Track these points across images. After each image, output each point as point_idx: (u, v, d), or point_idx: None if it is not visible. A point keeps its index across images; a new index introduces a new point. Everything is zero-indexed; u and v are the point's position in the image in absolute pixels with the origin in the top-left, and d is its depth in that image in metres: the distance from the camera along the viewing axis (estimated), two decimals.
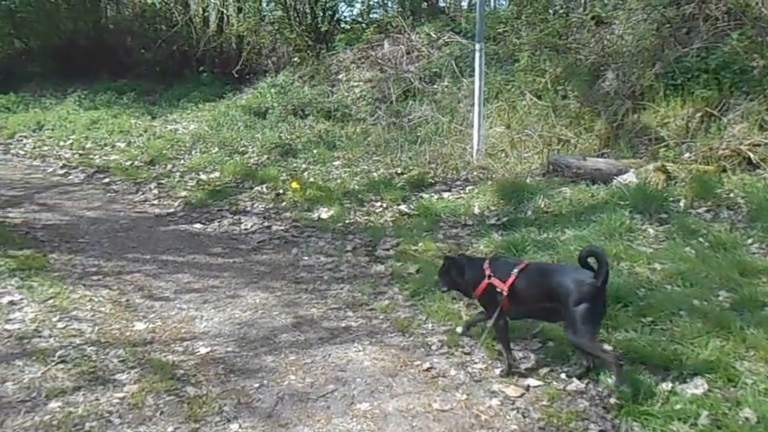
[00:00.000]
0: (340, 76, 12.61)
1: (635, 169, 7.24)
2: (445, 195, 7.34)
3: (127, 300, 4.72)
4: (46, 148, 10.77)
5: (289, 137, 9.68)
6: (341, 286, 5.09)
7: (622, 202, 6.26)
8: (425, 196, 7.28)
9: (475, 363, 3.82)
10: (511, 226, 6.21)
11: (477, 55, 8.81)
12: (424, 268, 5.31)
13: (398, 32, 13.25)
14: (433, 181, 7.74)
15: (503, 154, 8.86)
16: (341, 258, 5.64)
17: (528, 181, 7.32)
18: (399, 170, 8.04)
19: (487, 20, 13.28)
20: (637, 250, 5.26)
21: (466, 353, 3.93)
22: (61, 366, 3.69)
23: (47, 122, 12.04)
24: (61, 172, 9.08)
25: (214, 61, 15.84)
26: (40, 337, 4.07)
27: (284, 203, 7.25)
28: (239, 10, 15.39)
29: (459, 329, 4.12)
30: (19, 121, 12.11)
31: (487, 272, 3.62)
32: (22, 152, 10.51)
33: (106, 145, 10.66)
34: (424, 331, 4.22)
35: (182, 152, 9.81)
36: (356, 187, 7.54)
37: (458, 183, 7.78)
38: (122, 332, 4.19)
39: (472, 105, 10.79)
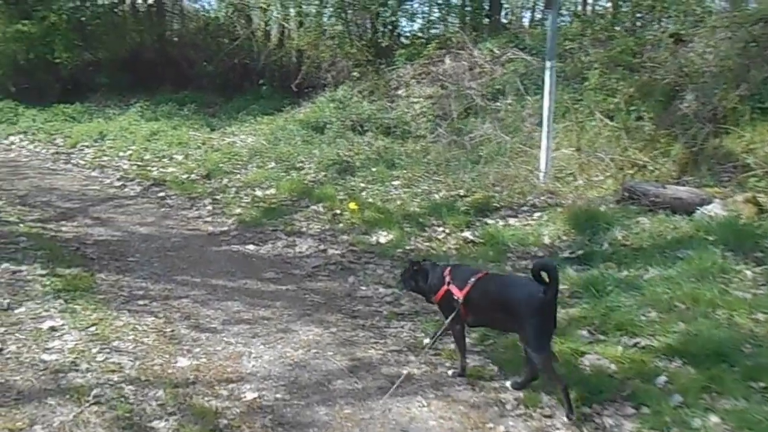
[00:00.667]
0: (399, 92, 12.18)
1: (721, 199, 6.54)
2: (512, 221, 6.78)
3: (173, 330, 4.33)
4: (105, 158, 10.67)
5: (347, 154, 9.26)
6: (402, 323, 4.60)
7: (710, 238, 5.59)
8: (490, 221, 6.72)
9: (558, 429, 3.25)
10: (586, 260, 5.61)
11: (547, 73, 8.23)
12: None
13: (460, 48, 12.76)
14: (498, 206, 7.18)
15: (571, 178, 8.24)
16: (401, 290, 5.13)
17: (602, 208, 6.67)
18: (462, 192, 7.50)
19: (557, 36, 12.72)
20: (735, 296, 4.59)
21: (546, 416, 3.38)
22: (95, 408, 3.31)
23: (109, 132, 11.99)
24: (118, 184, 8.90)
25: (274, 74, 15.65)
26: (77, 371, 3.71)
27: (341, 225, 6.81)
28: (300, 24, 15.18)
29: (426, 341, 4.10)
30: (83, 130, 12.11)
31: (447, 279, 3.69)
32: (82, 162, 10.43)
33: (164, 156, 10.47)
34: (497, 385, 3.68)
35: (239, 166, 9.51)
36: (417, 209, 7.04)
37: (525, 208, 7.19)
38: (164, 369, 3.79)
39: (538, 124, 10.20)
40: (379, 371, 3.86)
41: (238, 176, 9.06)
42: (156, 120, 13.02)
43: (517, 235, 6.26)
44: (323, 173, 8.62)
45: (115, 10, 16.51)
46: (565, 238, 6.26)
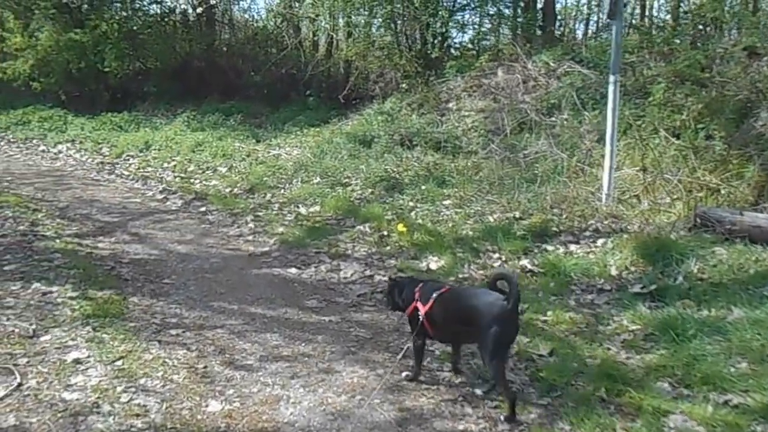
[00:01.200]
0: (450, 105, 11.72)
1: None
2: (573, 248, 6.23)
3: (205, 366, 3.95)
4: (149, 169, 10.51)
5: (395, 170, 8.84)
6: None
7: None
8: (549, 247, 6.19)
9: None
10: (660, 297, 5.05)
11: (611, 87, 7.67)
12: (559, 350, 4.26)
13: (512, 60, 12.24)
14: (557, 230, 6.63)
15: (635, 200, 7.63)
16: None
17: (672, 236, 6.07)
18: (517, 214, 6.98)
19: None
20: None
21: None
22: None
23: (155, 142, 11.87)
24: (160, 196, 8.67)
25: (321, 85, 15.42)
26: (98, 413, 3.36)
27: (389, 248, 6.37)
28: (349, 34, 14.89)
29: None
30: (129, 140, 12.03)
31: (416, 295, 3.77)
32: (126, 173, 10.28)
33: (207, 168, 10.26)
34: None
35: (283, 181, 9.19)
36: (469, 232, 6.55)
37: (587, 233, 6.63)
38: (193, 414, 3.41)
39: (597, 141, 9.63)
40: (431, 425, 3.41)
41: (282, 191, 8.74)
42: (202, 130, 12.87)
43: (581, 265, 5.71)
44: (370, 190, 8.21)
45: (165, 19, 16.54)
46: (633, 269, 5.70)
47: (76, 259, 5.76)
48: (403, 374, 3.92)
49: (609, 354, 4.27)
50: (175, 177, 9.93)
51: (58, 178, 9.74)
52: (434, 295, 3.66)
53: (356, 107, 13.88)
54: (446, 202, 7.57)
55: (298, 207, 7.91)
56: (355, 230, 6.86)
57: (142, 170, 10.46)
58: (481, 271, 5.67)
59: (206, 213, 7.80)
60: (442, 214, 7.22)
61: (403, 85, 13.25)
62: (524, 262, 5.80)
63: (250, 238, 6.83)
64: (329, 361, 4.12)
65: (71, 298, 4.89)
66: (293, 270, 5.83)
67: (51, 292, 5.00)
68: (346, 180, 8.80)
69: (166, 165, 10.62)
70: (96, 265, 5.71)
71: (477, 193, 7.96)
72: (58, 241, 6.31)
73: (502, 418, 3.44)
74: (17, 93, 16.22)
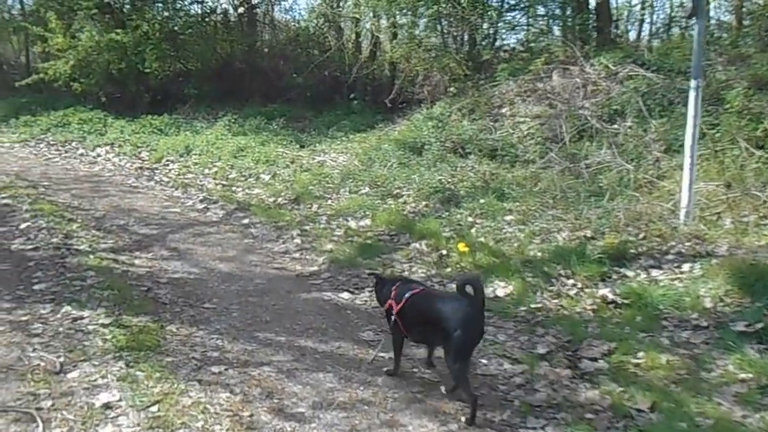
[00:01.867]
0: (503, 111, 11.08)
1: None
2: (655, 273, 5.58)
3: (251, 415, 3.45)
4: (190, 175, 10.14)
5: (449, 180, 8.26)
6: (540, 422, 3.53)
7: None
8: (629, 273, 5.55)
9: None
10: None
11: (692, 94, 6.98)
12: (661, 404, 3.64)
13: (568, 63, 11.54)
14: (635, 252, 5.96)
15: (715, 218, 6.92)
16: (533, 367, 4.08)
17: None
18: (588, 233, 6.33)
19: (682, 51, 11.31)
20: None
21: None
22: None
23: (195, 147, 11.51)
24: (201, 206, 8.25)
25: (366, 88, 14.93)
26: None
27: (449, 269, 5.81)
28: (394, 35, 14.35)
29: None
30: (169, 144, 11.70)
31: (393, 293, 3.85)
32: (165, 179, 9.92)
33: (250, 176, 9.84)
34: None
35: (330, 190, 8.71)
36: (537, 253, 5.93)
37: (669, 257, 5.95)
38: None
39: (664, 152, 8.94)
40: None
41: (329, 202, 8.24)
42: (244, 134, 12.49)
43: (670, 296, 5.05)
44: (424, 203, 7.64)
45: (206, 19, 16.24)
46: (729, 300, 5.02)
47: (110, 279, 5.34)
48: (384, 369, 4.02)
49: (721, 411, 3.63)
50: (216, 184, 9.52)
51: (95, 184, 9.42)
52: (407, 294, 3.77)
53: (403, 112, 13.33)
54: (508, 218, 6.96)
55: (347, 220, 7.41)
56: (411, 248, 6.32)
57: (182, 177, 10.09)
58: (556, 300, 5.07)
59: (249, 226, 7.34)
60: (504, 231, 6.61)
61: (451, 89, 12.66)
62: (604, 291, 5.15)
63: (297, 255, 6.33)
64: (392, 410, 3.58)
65: (104, 325, 4.46)
66: (345, 295, 5.30)
67: (82, 318, 4.59)
68: (397, 191, 8.26)
69: (207, 171, 10.24)
70: (132, 285, 5.28)
71: (540, 208, 7.33)
72: (92, 256, 5.91)
73: (462, 419, 3.48)
74: (58, 94, 16.14)
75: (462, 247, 5.84)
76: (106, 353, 4.05)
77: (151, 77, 14.64)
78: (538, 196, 7.64)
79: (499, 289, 5.31)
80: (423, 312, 3.70)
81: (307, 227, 7.11)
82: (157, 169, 10.70)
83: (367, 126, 13.49)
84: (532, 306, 4.94)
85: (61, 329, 4.40)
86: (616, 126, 9.75)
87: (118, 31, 13.98)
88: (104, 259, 5.89)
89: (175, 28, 15.57)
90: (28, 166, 10.95)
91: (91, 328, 4.42)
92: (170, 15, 15.53)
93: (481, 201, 7.36)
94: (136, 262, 5.93)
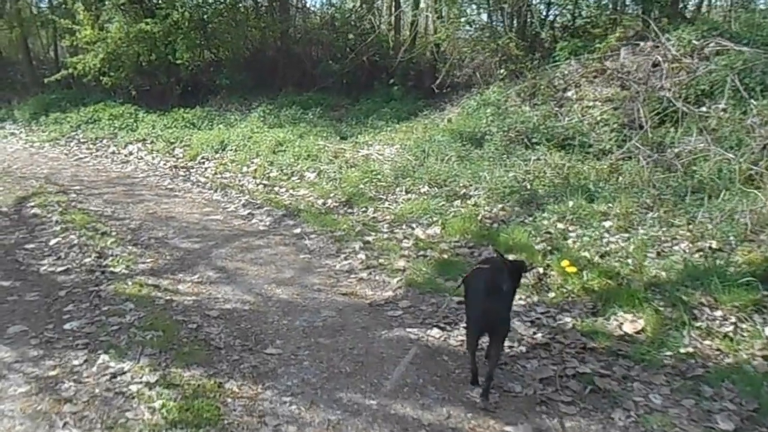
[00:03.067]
0: (568, 94, 9.85)
1: None
2: None
3: None
4: (228, 175, 9.11)
5: (524, 177, 7.11)
6: None
7: None
8: None
9: None
10: None
11: None
12: None
13: (639, 38, 10.27)
14: None
15: None
16: None
17: None
18: (713, 243, 5.15)
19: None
20: None
21: None
22: None
23: (230, 142, 10.47)
24: (244, 212, 7.21)
25: (408, 73, 13.72)
26: None
27: (552, 295, 4.70)
28: (437, 14, 13.09)
29: None
30: (203, 139, 10.66)
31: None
32: (202, 180, 8.89)
33: (293, 174, 8.78)
34: None
35: (384, 190, 7.63)
36: (661, 273, 4.77)
37: None
38: None
39: None
40: None
41: (386, 204, 7.15)
42: (280, 126, 11.43)
43: None
44: (500, 206, 6.51)
45: (237, 6, 15.09)
46: None
47: (153, 314, 4.33)
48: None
49: None
50: (257, 185, 8.48)
51: (128, 188, 8.43)
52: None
53: (449, 98, 12.17)
54: (606, 224, 5.81)
55: (412, 227, 6.32)
56: None
57: (219, 176, 9.07)
58: (708, 341, 3.92)
59: (302, 236, 6.27)
60: (605, 241, 5.46)
61: (501, 71, 11.44)
62: None
63: (365, 275, 5.25)
64: None
65: (149, 384, 3.46)
66: (435, 332, 4.22)
67: (123, 372, 3.59)
68: (464, 190, 7.13)
69: (245, 170, 9.19)
70: (178, 321, 4.26)
71: (638, 210, 6.17)
72: (130, 282, 4.91)
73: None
74: (88, 89, 15.18)
75: (567, 265, 4.72)
76: (154, 430, 3.04)
77: (182, 68, 13.57)
78: (633, 195, 6.47)
79: (627, 323, 4.19)
80: (469, 291, 3.67)
81: (369, 238, 6.02)
82: (192, 168, 9.68)
83: (409, 114, 12.36)
84: (681, 351, 3.81)
85: (97, 390, 3.41)
86: (704, 109, 8.51)
87: (148, 20, 12.92)
88: (144, 285, 4.88)
89: (205, 16, 14.45)
90: (59, 167, 9.99)
91: (134, 389, 3.42)
92: (200, 2, 14.40)
93: (570, 204, 6.21)
94: (180, 287, 4.91)
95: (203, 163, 9.87)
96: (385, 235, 6.12)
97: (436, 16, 13.06)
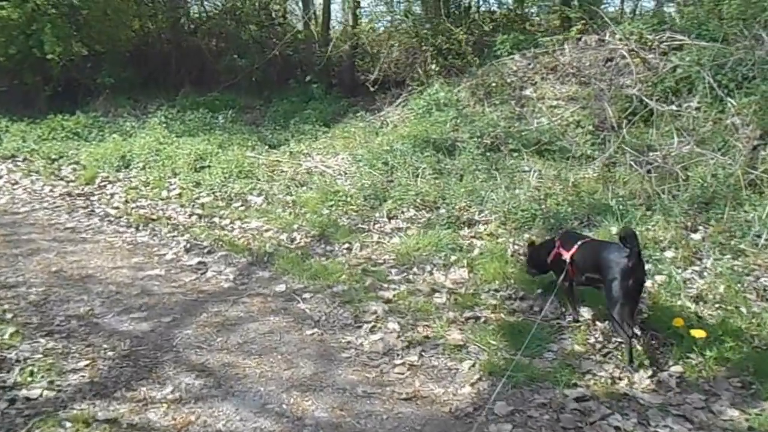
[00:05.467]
0: (526, 92, 8.75)
1: None
2: None
3: None
4: (144, 202, 7.00)
5: (533, 196, 5.84)
6: None
7: None
8: None
9: None
10: None
11: None
12: None
13: (580, 33, 9.42)
14: None
15: None
16: None
17: None
18: None
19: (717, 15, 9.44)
20: None
21: None
22: None
23: (134, 156, 8.28)
24: (191, 261, 5.27)
25: (327, 69, 12.00)
26: None
27: (675, 368, 3.43)
28: (357, 4, 11.52)
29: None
30: (97, 154, 8.33)
31: (558, 243, 3.97)
32: (112, 212, 6.70)
33: (231, 198, 6.91)
34: None
35: (358, 216, 6.06)
36: None
37: None
38: None
39: (761, 138, 7.12)
40: None
41: (375, 237, 5.58)
42: (190, 135, 9.35)
43: None
44: (525, 235, 5.17)
45: None
46: None
47: None
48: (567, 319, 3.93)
49: None
50: (189, 215, 6.51)
51: (10, 230, 6.08)
52: (579, 242, 3.82)
53: (378, 96, 10.69)
54: (668, 255, 4.68)
55: (428, 271, 4.82)
56: (584, 328, 3.87)
57: (134, 204, 6.93)
58: None
59: (291, 297, 4.51)
60: (679, 278, 4.31)
61: (433, 66, 10.17)
62: None
63: (413, 358, 3.63)
64: None
65: None
66: None
67: None
68: (465, 214, 5.73)
69: (166, 193, 7.14)
70: None
71: (679, 231, 5.12)
72: (65, 419, 2.99)
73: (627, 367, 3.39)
74: None
75: (696, 332, 3.48)
76: None
77: (53, 64, 10.86)
78: (664, 213, 5.43)
79: None
80: (591, 258, 3.69)
81: (387, 293, 4.44)
82: (92, 194, 7.38)
83: (335, 115, 10.80)
84: None
85: None
86: (674, 107, 7.77)
87: (2, 4, 10.14)
88: (90, 421, 2.99)
89: (74, 1, 11.75)
90: None
91: None
92: None
93: (613, 230, 5.01)
94: (152, 416, 3.07)
95: (105, 186, 7.61)
96: (403, 287, 4.56)
97: (353, 5, 11.48)
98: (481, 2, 11.74)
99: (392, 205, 6.14)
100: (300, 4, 12.66)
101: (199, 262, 5.21)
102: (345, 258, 5.21)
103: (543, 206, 5.52)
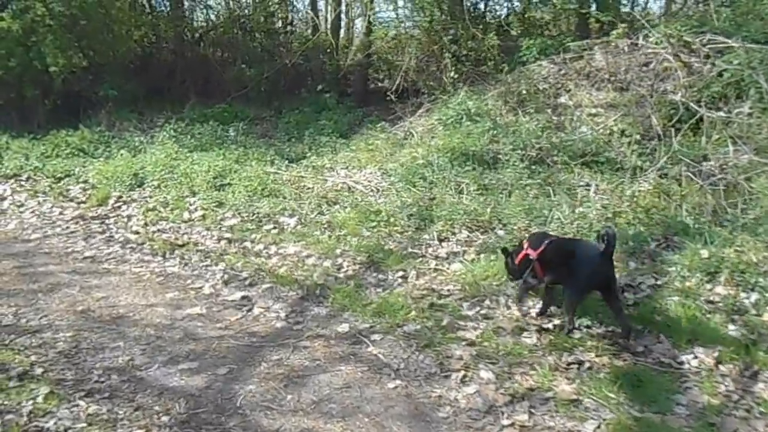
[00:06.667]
0: (561, 100, 8.25)
1: None
2: None
3: None
4: (165, 225, 6.38)
5: (602, 213, 5.32)
6: None
7: None
8: None
9: None
10: None
11: None
12: None
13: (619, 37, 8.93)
14: None
15: None
16: None
17: None
18: None
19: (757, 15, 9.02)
20: None
21: None
22: None
23: (147, 174, 7.66)
24: (232, 295, 4.67)
25: (339, 78, 11.43)
26: None
27: None
28: (371, 9, 10.97)
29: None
30: (107, 172, 7.69)
31: (526, 245, 4.03)
32: (132, 236, 6.06)
33: (261, 220, 6.31)
34: None
35: (407, 240, 5.50)
36: None
37: None
38: None
39: None
40: None
41: (432, 264, 5.01)
42: (203, 149, 8.75)
43: None
44: (621, 264, 4.63)
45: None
46: None
47: None
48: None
49: None
50: (219, 240, 5.89)
51: (24, 260, 5.44)
52: (546, 241, 3.90)
53: (398, 106, 10.13)
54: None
55: (506, 305, 4.26)
56: (707, 377, 3.34)
57: (155, 228, 6.31)
58: None
59: (358, 339, 3.93)
60: None
61: (452, 74, 9.65)
62: None
63: (524, 417, 3.08)
64: None
65: None
66: None
67: None
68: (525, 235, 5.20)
69: (188, 216, 6.53)
70: None
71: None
72: None
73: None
74: None
75: None
76: None
77: (54, 77, 10.20)
78: (745, 230, 4.93)
79: None
80: (560, 251, 3.79)
81: (469, 335, 3.86)
82: (108, 216, 6.74)
83: (351, 126, 10.28)
84: None
85: None
86: (722, 114, 7.30)
87: (1, 15, 9.48)
88: None
89: (74, 11, 11.06)
90: None
91: None
92: None
93: (700, 250, 4.49)
94: None
95: (120, 208, 6.98)
96: (483, 325, 4.00)
97: (369, 10, 10.91)
98: (497, 7, 11.22)
99: (442, 226, 5.59)
100: (310, 11, 12.01)
101: (243, 297, 4.61)
102: (404, 289, 4.65)
103: (615, 226, 4.99)
